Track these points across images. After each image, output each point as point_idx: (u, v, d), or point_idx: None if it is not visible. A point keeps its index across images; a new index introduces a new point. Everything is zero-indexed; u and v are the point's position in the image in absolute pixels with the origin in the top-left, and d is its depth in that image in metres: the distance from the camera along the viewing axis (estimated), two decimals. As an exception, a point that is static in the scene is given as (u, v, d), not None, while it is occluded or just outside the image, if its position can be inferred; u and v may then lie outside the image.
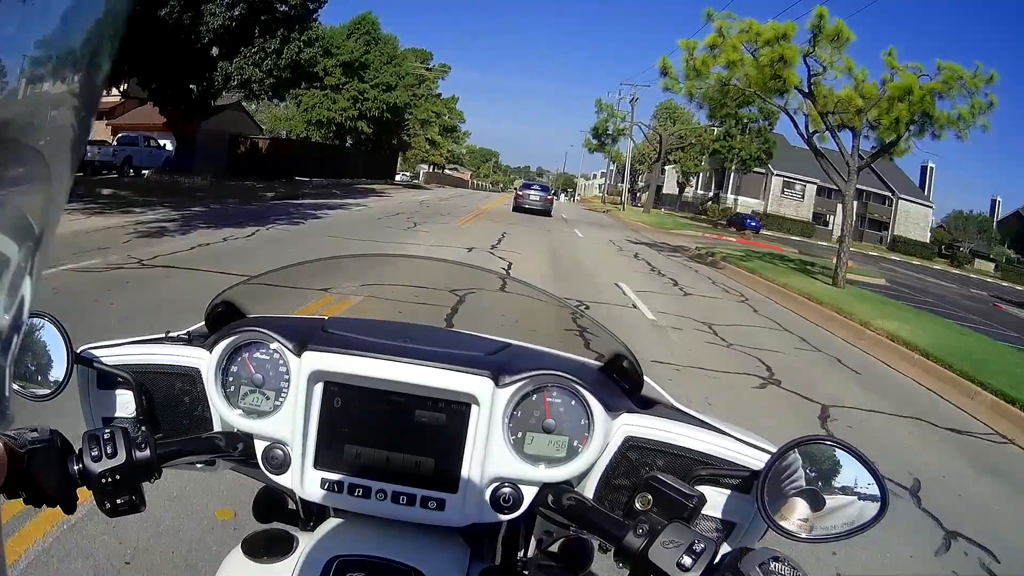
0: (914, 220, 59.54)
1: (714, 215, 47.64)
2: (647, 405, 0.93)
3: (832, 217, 54.16)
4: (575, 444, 0.82)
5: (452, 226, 15.61)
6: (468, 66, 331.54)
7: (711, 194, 57.33)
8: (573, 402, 0.83)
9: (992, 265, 55.84)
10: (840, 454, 0.77)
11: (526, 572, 0.87)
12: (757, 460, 0.83)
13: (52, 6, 0.27)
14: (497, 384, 0.80)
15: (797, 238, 43.04)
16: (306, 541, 0.80)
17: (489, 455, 0.80)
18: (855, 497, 0.76)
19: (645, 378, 0.93)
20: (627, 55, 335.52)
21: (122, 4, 0.30)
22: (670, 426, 0.86)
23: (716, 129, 40.70)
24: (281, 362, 0.82)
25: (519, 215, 21.95)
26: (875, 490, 0.76)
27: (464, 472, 0.80)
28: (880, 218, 58.16)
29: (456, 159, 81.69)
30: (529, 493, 0.81)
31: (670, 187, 62.00)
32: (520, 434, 0.82)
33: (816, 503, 0.76)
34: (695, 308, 8.52)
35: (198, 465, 0.86)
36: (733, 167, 44.26)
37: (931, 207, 62.78)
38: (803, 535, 0.75)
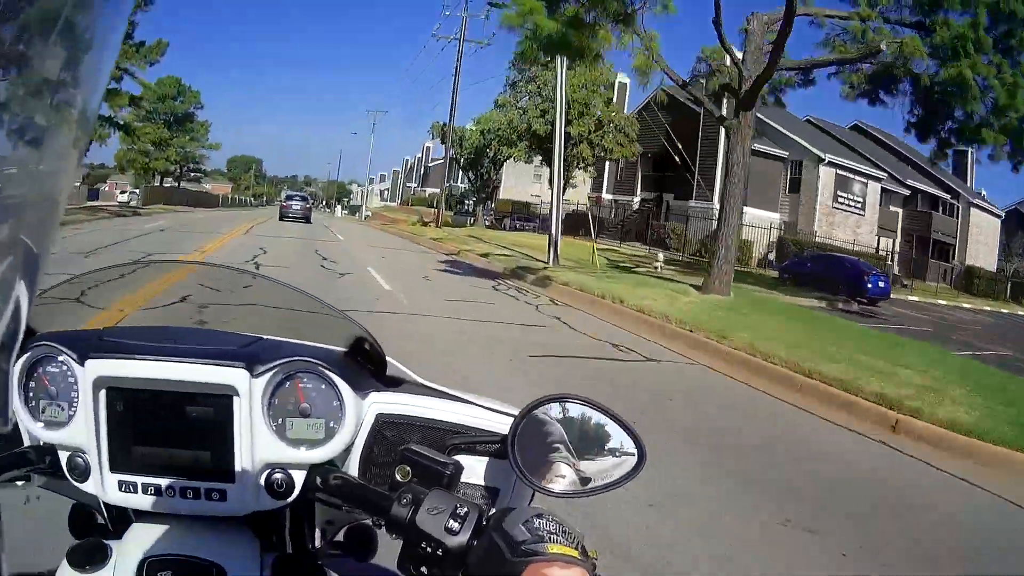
0: (983, 239, 37.95)
1: (677, 246, 27.36)
2: (395, 384, 0.99)
3: (890, 241, 32.16)
4: (331, 425, 0.88)
5: None
6: (217, 57, 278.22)
7: (639, 200, 33.50)
8: (323, 386, 0.88)
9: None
10: (593, 412, 0.85)
11: (318, 561, 0.91)
12: (505, 425, 0.87)
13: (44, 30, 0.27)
14: (252, 374, 0.85)
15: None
16: (118, 548, 0.84)
17: (256, 443, 0.85)
18: (613, 452, 0.85)
19: (389, 359, 0.99)
20: (399, 51, 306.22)
21: (115, 23, 0.31)
22: (417, 400, 0.94)
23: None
24: (69, 373, 0.86)
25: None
26: (631, 444, 0.84)
27: (237, 461, 0.85)
28: (943, 237, 35.22)
29: (197, 164, 57.20)
30: (299, 477, 0.86)
31: (517, 189, 45.10)
32: (281, 420, 0.87)
33: (577, 461, 0.84)
34: None
35: (18, 483, 0.90)
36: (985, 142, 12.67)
37: (1000, 216, 41.17)
38: (561, 491, 0.82)
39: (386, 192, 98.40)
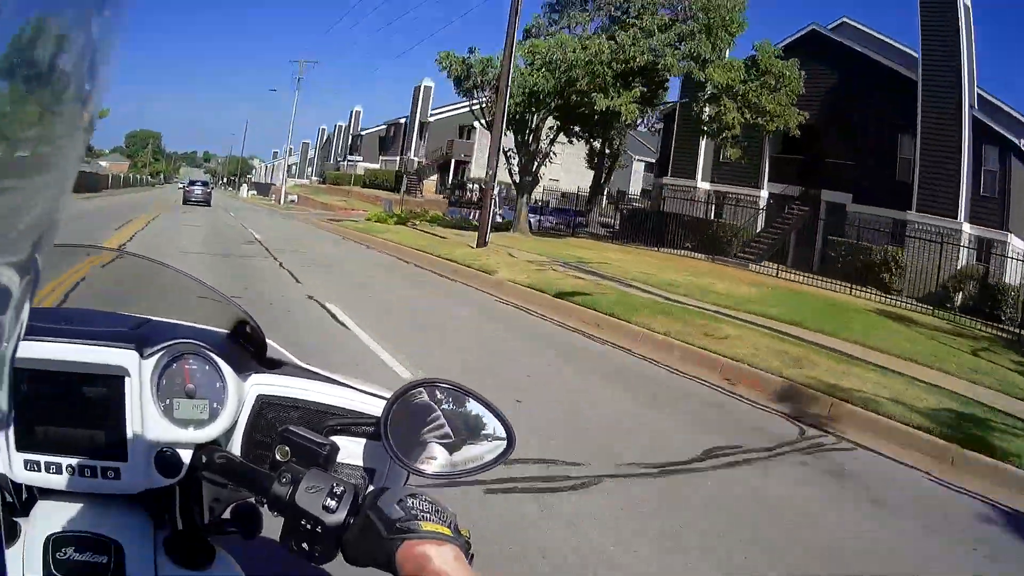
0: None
1: (898, 284, 16.87)
2: (275, 366, 1.02)
3: None
4: (215, 406, 0.91)
5: None
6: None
7: (766, 197, 22.07)
8: (207, 367, 0.92)
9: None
10: (466, 398, 0.90)
11: (207, 537, 0.94)
12: (380, 408, 0.91)
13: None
14: (142, 356, 0.88)
15: None
16: (25, 525, 0.87)
17: (146, 423, 0.88)
18: (485, 436, 0.89)
19: (270, 341, 1.02)
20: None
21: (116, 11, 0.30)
22: (296, 382, 0.97)
23: None
24: None
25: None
26: (501, 430, 0.89)
27: (129, 440, 0.88)
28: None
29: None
30: (186, 456, 0.89)
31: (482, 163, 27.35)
32: (168, 401, 0.90)
33: (450, 445, 0.88)
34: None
35: None
36: None
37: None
38: (433, 472, 0.86)
39: (294, 168, 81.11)
